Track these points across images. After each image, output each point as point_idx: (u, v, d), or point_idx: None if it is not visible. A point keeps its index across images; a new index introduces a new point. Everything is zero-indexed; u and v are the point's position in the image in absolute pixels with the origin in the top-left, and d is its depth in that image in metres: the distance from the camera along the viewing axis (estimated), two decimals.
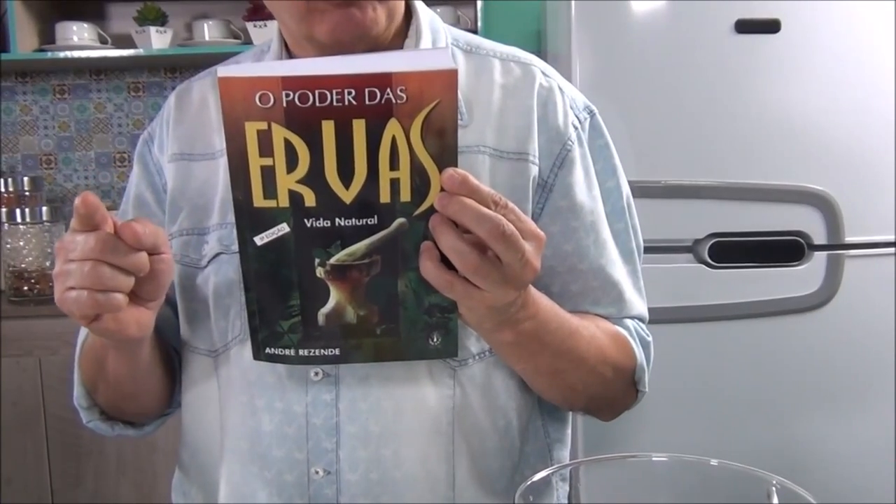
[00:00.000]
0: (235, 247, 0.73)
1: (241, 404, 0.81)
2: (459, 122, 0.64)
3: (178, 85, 0.93)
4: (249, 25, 2.40)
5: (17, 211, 2.30)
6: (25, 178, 2.47)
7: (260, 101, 0.60)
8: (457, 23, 2.45)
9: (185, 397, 0.89)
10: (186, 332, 0.87)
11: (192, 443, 0.88)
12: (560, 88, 0.85)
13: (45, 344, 2.11)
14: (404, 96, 0.60)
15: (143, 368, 0.83)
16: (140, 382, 0.85)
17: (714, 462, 0.52)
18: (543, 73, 0.86)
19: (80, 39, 2.43)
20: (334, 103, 0.60)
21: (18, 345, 2.16)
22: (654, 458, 0.54)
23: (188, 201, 0.85)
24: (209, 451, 0.86)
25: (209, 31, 2.44)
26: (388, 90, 0.60)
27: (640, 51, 1.81)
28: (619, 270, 0.86)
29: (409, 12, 0.85)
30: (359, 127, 0.61)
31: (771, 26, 1.78)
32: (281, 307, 0.68)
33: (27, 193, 2.45)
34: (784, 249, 1.84)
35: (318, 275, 0.66)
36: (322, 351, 0.70)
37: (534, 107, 0.83)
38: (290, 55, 0.83)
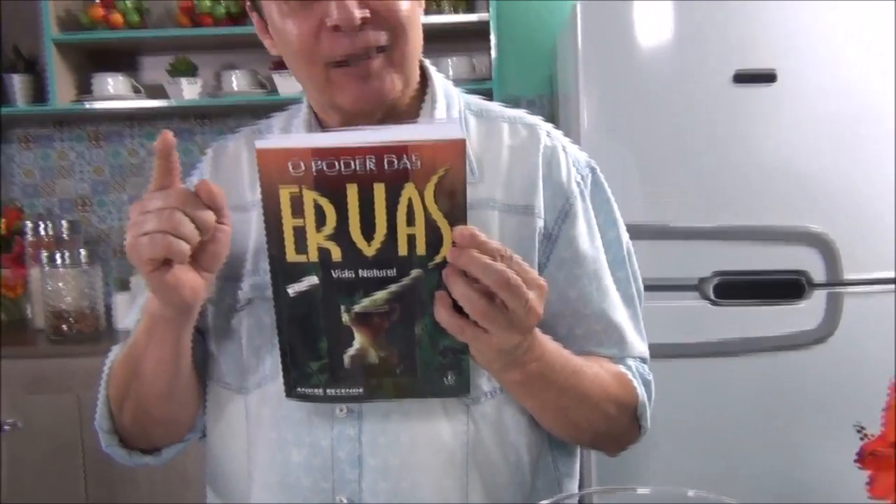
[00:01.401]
0: (268, 293, 0.79)
1: (271, 440, 0.86)
2: (471, 178, 0.70)
3: (206, 131, 1.00)
4: (275, 75, 2.45)
5: (58, 254, 2.34)
6: (63, 222, 2.53)
7: (293, 168, 0.68)
8: (472, 71, 2.50)
9: (213, 429, 0.92)
10: (218, 369, 0.91)
11: (222, 474, 0.92)
12: (563, 148, 0.92)
13: (84, 381, 2.11)
14: (419, 163, 0.68)
15: (184, 362, 0.85)
16: (177, 378, 0.86)
17: (691, 493, 0.58)
18: (548, 135, 0.92)
19: (115, 91, 2.50)
20: (358, 170, 0.68)
21: (58, 383, 2.20)
22: (638, 491, 0.60)
23: None
24: (237, 481, 0.90)
25: (237, 82, 2.49)
26: (405, 158, 0.68)
27: (644, 100, 1.86)
28: (620, 314, 0.91)
29: (424, 77, 0.91)
30: (379, 190, 0.69)
31: (767, 77, 1.84)
32: (310, 350, 0.75)
33: (66, 237, 2.51)
34: (785, 287, 1.88)
35: (343, 321, 0.73)
36: (347, 390, 0.76)
37: (539, 165, 0.89)
38: (318, 119, 0.90)
